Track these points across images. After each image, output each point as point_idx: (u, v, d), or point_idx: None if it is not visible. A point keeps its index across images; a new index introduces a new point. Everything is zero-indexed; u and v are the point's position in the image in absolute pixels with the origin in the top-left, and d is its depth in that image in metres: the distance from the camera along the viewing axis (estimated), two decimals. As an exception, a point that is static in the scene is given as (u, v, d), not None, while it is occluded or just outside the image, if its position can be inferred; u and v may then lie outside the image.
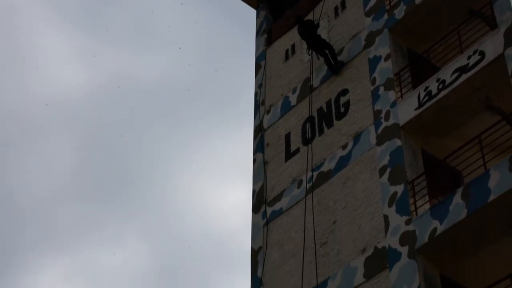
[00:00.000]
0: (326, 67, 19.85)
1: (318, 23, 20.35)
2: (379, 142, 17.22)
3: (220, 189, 47.31)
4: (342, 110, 18.82)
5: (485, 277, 15.05)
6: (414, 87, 17.52)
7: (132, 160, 46.49)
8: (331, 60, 19.60)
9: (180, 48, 47.86)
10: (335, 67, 19.54)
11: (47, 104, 45.19)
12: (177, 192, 47.12)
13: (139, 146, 46.83)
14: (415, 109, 16.95)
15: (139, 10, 49.05)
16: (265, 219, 18.94)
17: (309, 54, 20.73)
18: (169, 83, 49.66)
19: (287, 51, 21.92)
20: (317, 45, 19.82)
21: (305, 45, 21.01)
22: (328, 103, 19.32)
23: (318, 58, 19.98)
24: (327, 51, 19.65)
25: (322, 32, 20.72)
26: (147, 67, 48.86)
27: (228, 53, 50.02)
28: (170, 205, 47.07)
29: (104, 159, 47.21)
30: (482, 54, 16.11)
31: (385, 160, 16.81)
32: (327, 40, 20.34)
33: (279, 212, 18.73)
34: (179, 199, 47.26)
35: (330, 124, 18.91)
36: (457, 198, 14.79)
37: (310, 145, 18.99)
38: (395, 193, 16.13)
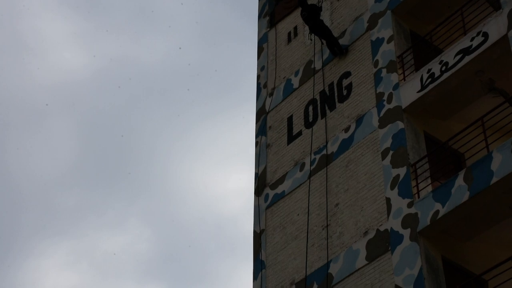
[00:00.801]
0: (328, 50, 19.75)
1: (321, 6, 20.24)
2: (382, 125, 17.16)
3: (221, 174, 47.35)
4: (345, 92, 18.74)
5: (487, 259, 15.04)
6: (417, 69, 17.44)
7: (133, 145, 46.53)
8: (334, 46, 19.48)
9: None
10: (338, 51, 19.45)
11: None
12: (178, 176, 47.17)
13: (140, 130, 46.85)
14: (417, 92, 16.87)
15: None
16: (268, 202, 18.93)
17: (310, 39, 20.63)
18: (170, 68, 49.59)
19: (289, 33, 21.82)
20: (320, 29, 19.70)
21: (307, 28, 20.90)
22: (331, 86, 19.25)
23: (322, 43, 19.89)
24: (327, 39, 19.53)
25: (325, 14, 20.61)
26: (148, 51, 48.79)
27: (229, 37, 49.92)
28: (171, 189, 47.13)
29: (105, 144, 47.25)
30: (486, 35, 16.00)
31: (388, 143, 16.76)
32: (330, 22, 20.24)
33: (282, 195, 18.71)
34: (180, 184, 47.31)
35: (332, 107, 18.85)
36: (459, 181, 14.75)
37: (312, 128, 18.94)
38: (397, 175, 16.09)
